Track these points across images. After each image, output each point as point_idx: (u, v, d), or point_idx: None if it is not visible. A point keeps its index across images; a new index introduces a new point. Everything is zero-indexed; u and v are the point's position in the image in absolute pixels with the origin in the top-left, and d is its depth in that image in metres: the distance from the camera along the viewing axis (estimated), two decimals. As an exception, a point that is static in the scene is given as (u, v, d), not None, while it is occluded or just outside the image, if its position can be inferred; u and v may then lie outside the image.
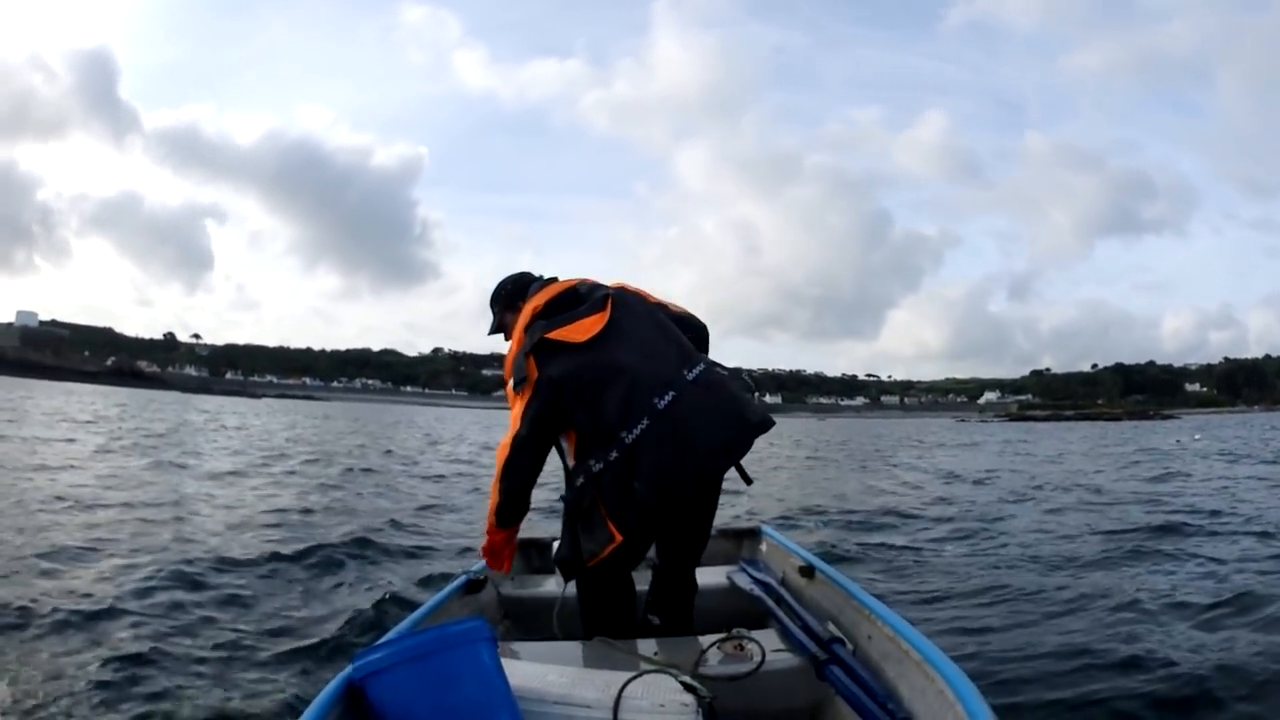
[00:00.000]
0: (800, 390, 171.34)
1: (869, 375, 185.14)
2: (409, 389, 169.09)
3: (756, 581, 2.73)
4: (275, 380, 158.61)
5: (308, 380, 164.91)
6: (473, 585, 2.61)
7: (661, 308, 2.41)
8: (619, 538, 2.09)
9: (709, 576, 2.93)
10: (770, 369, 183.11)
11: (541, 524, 5.14)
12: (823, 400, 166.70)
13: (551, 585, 2.96)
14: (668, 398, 2.12)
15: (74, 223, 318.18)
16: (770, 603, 2.48)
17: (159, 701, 2.79)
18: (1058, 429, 54.40)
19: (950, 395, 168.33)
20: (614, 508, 2.11)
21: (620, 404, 2.12)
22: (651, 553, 2.48)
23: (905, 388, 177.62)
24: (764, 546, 3.34)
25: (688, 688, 1.68)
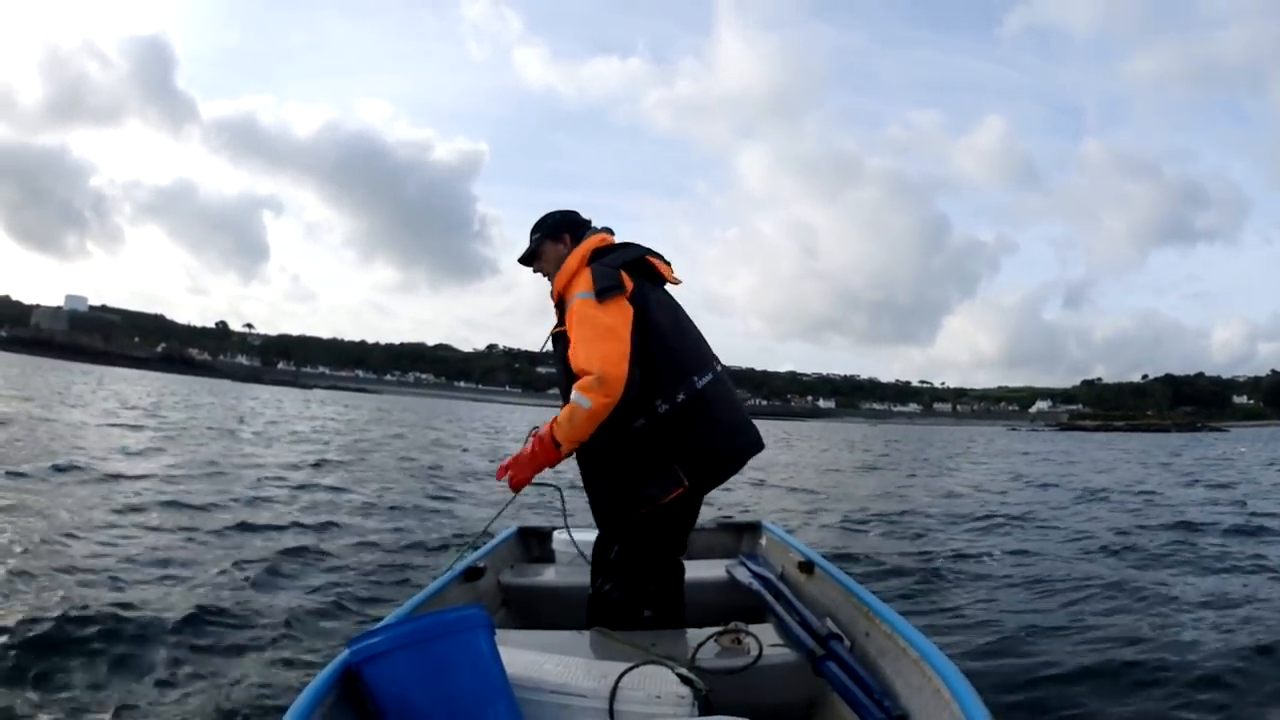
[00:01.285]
0: (854, 395, 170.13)
1: (922, 382, 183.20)
2: (462, 384, 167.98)
3: (755, 576, 2.73)
4: (327, 371, 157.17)
5: (360, 373, 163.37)
6: (472, 573, 2.61)
7: None
8: (686, 483, 2.08)
9: (708, 570, 2.93)
10: (825, 373, 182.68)
11: (535, 515, 5.15)
12: (876, 406, 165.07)
13: (550, 575, 2.96)
14: (708, 377, 2.17)
15: (127, 210, 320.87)
16: (769, 597, 2.47)
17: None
18: (1112, 440, 52.18)
19: (1002, 403, 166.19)
20: (682, 452, 2.07)
21: (693, 351, 2.16)
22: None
23: (958, 395, 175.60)
24: (764, 541, 3.33)
25: (684, 680, 1.68)
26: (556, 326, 2.19)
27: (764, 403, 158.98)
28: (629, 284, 2.11)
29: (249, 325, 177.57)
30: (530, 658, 1.79)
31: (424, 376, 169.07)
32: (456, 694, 1.55)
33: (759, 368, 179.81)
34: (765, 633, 2.16)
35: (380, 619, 2.03)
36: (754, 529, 3.47)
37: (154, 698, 2.70)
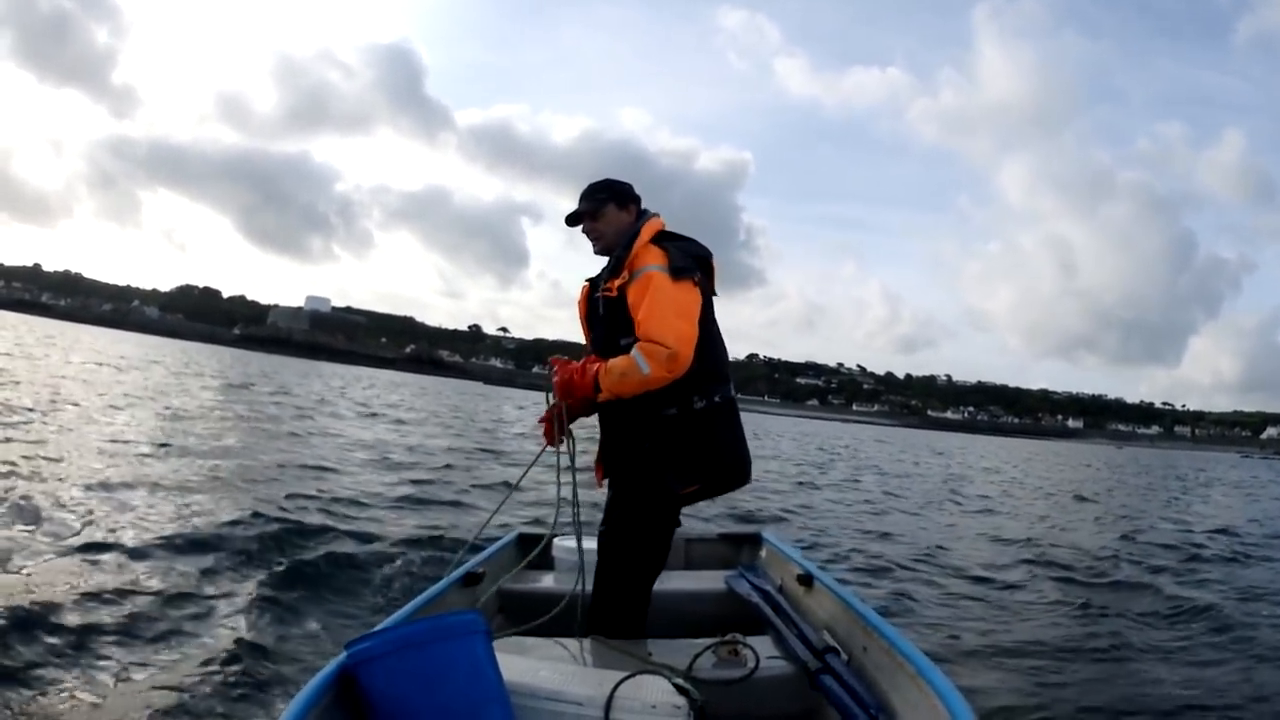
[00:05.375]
0: (1101, 416, 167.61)
1: (1164, 404, 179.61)
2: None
3: (754, 588, 2.72)
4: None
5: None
6: (470, 578, 2.62)
7: None
8: (700, 483, 2.12)
9: (707, 580, 2.93)
10: (1075, 392, 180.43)
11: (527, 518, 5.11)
12: (1120, 427, 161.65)
13: (549, 581, 2.97)
14: (732, 388, 2.24)
15: (376, 214, 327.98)
16: (767, 609, 2.47)
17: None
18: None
19: (1236, 429, 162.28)
20: (705, 451, 2.11)
21: (727, 360, 2.24)
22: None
23: (1196, 418, 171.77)
24: (763, 553, 3.33)
25: (680, 690, 1.68)
26: (606, 285, 2.16)
27: (1015, 420, 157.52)
28: (698, 274, 2.15)
29: (503, 329, 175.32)
30: (527, 664, 1.79)
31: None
32: (452, 699, 1.55)
33: (1012, 384, 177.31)
34: (763, 645, 2.16)
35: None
36: (754, 540, 3.47)
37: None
